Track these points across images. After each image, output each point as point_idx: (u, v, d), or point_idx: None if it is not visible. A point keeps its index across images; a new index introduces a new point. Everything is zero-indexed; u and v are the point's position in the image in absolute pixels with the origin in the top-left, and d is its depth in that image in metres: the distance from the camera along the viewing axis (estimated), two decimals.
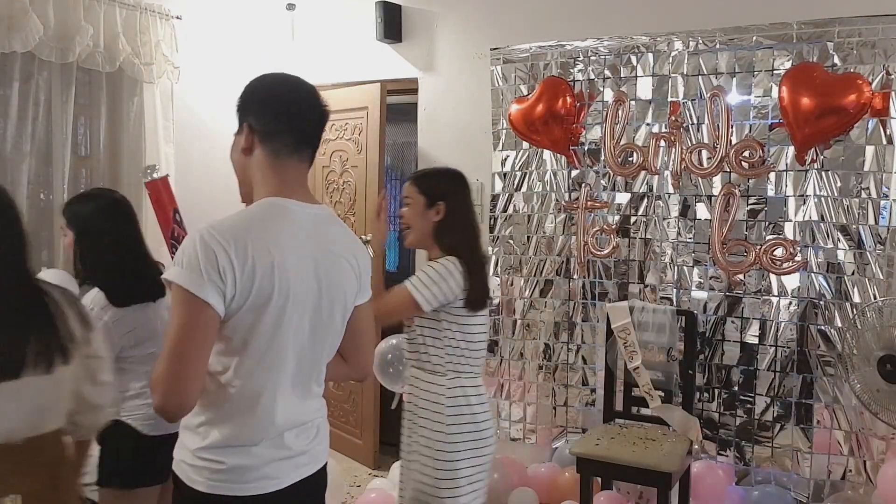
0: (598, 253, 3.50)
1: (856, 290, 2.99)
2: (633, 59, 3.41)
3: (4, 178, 3.27)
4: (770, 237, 3.14)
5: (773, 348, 3.15)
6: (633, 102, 3.41)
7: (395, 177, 6.48)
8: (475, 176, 3.85)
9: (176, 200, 3.53)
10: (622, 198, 3.46)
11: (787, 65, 3.09)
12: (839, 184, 3.02)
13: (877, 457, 2.93)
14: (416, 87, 4.12)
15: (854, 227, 2.99)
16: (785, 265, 3.10)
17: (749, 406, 3.19)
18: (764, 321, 3.17)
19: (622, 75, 3.43)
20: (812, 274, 3.07)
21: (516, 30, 3.73)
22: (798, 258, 3.08)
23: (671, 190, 3.34)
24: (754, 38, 3.15)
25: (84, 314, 1.59)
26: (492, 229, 3.78)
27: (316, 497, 1.60)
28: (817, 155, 3.06)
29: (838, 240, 3.03)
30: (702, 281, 3.30)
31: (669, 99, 3.33)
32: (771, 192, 3.15)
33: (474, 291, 2.18)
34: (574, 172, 3.57)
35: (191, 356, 1.35)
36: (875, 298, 2.89)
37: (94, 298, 2.20)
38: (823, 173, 3.05)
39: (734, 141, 3.18)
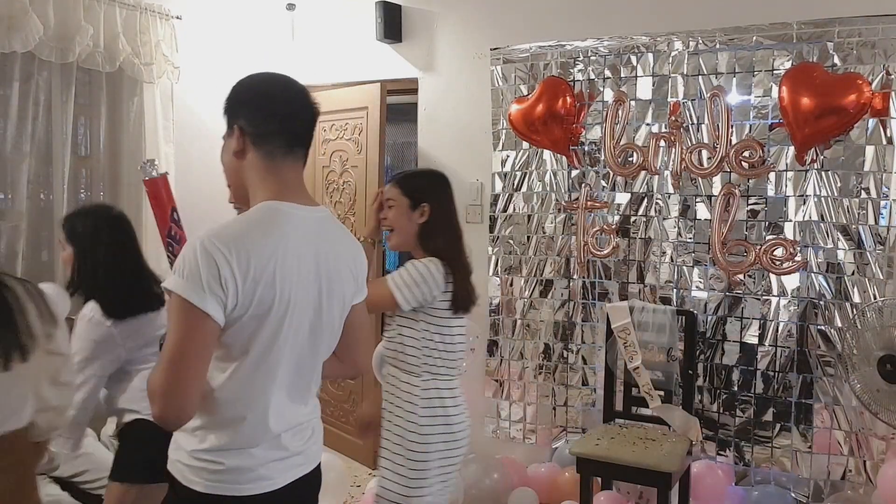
0: (598, 253, 3.50)
1: (856, 290, 2.99)
2: (633, 59, 3.41)
3: (4, 178, 3.27)
4: (770, 237, 3.14)
5: (773, 348, 3.15)
6: (633, 102, 3.41)
7: None
8: (475, 176, 3.87)
9: (174, 199, 3.53)
10: (622, 198, 3.46)
11: (787, 65, 3.09)
12: (839, 184, 3.02)
13: (877, 457, 2.94)
14: (416, 87, 4.12)
15: (854, 227, 2.99)
16: (785, 265, 3.11)
17: (749, 406, 3.19)
18: (764, 321, 3.17)
19: (622, 75, 3.43)
20: (812, 274, 3.07)
21: (516, 30, 3.73)
22: (798, 258, 3.08)
23: (671, 190, 3.34)
24: (754, 38, 3.15)
25: (49, 310, 1.55)
26: (492, 229, 3.78)
27: (310, 496, 1.61)
28: (817, 155, 3.06)
29: (838, 240, 3.03)
30: (702, 281, 3.30)
31: (669, 99, 3.33)
32: (771, 192, 3.15)
33: (458, 294, 2.18)
34: (574, 172, 3.57)
35: (190, 366, 1.33)
36: (875, 298, 2.90)
37: (92, 310, 2.24)
38: (823, 173, 3.05)
39: (734, 141, 3.18)
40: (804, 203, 3.09)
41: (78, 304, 2.30)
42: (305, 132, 1.53)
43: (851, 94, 2.90)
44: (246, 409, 1.43)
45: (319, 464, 1.61)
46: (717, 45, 3.22)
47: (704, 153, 3.26)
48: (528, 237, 3.69)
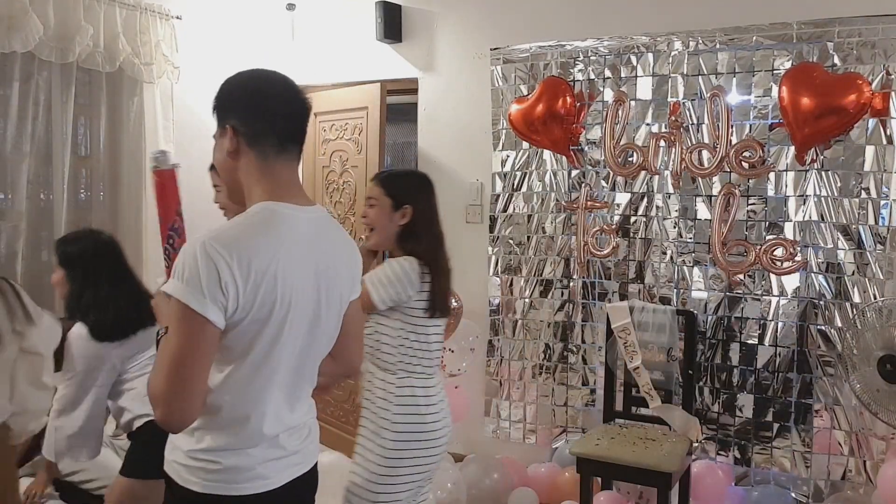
0: (598, 253, 3.50)
1: (856, 290, 2.99)
2: (633, 59, 3.41)
3: (4, 178, 3.27)
4: (770, 237, 3.14)
5: (773, 348, 3.15)
6: (633, 102, 3.41)
7: None
8: (475, 176, 3.87)
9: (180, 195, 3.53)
10: (622, 198, 3.46)
11: (787, 65, 3.09)
12: (839, 184, 3.02)
13: (877, 457, 2.93)
14: (416, 87, 4.12)
15: (854, 227, 2.99)
16: (785, 265, 3.10)
17: (749, 406, 3.19)
18: (764, 321, 3.17)
19: (622, 75, 3.43)
20: (812, 274, 3.07)
21: (516, 30, 3.73)
22: (798, 258, 3.08)
23: (671, 190, 3.34)
24: (754, 38, 3.15)
25: (24, 308, 1.54)
26: (492, 229, 3.78)
27: (307, 496, 1.60)
28: (817, 155, 3.06)
29: (838, 240, 3.03)
30: (702, 281, 3.30)
31: (669, 99, 3.33)
32: (771, 192, 3.15)
33: (435, 297, 2.17)
34: (574, 172, 3.57)
35: (191, 371, 1.32)
36: (875, 298, 2.90)
37: (80, 329, 2.32)
38: (823, 173, 3.05)
39: (734, 141, 3.18)
40: (804, 203, 3.09)
41: (67, 325, 2.39)
42: (298, 129, 1.51)
43: (851, 94, 2.90)
44: (246, 412, 1.42)
45: (316, 463, 1.61)
46: (717, 45, 3.22)
47: (704, 153, 3.26)
48: (528, 237, 3.69)
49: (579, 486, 2.96)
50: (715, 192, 3.25)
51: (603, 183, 3.51)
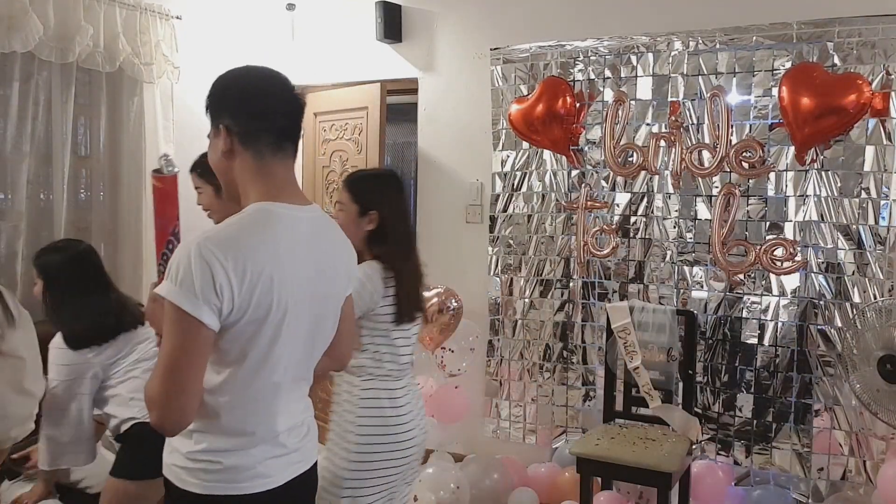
0: (598, 253, 3.50)
1: (856, 290, 2.99)
2: (633, 59, 3.41)
3: (4, 178, 3.27)
4: (770, 237, 3.14)
5: (773, 348, 3.15)
6: (633, 102, 3.41)
7: None
8: (475, 176, 3.87)
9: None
10: (622, 198, 3.46)
11: (787, 65, 3.09)
12: (839, 184, 3.02)
13: (877, 457, 2.93)
14: (416, 87, 4.12)
15: (854, 227, 2.99)
16: (785, 265, 3.11)
17: (749, 406, 3.19)
18: (764, 321, 3.17)
19: (622, 75, 3.43)
20: (812, 274, 3.07)
21: (516, 30, 3.73)
22: (798, 258, 3.08)
23: (671, 190, 3.34)
24: (754, 38, 3.15)
25: (7, 312, 1.53)
26: (492, 229, 3.78)
27: (307, 496, 1.60)
28: (817, 155, 3.06)
29: (838, 240, 3.03)
30: (702, 281, 3.30)
31: (669, 99, 3.33)
32: (771, 192, 3.15)
33: (401, 303, 2.12)
34: (574, 172, 3.57)
35: (186, 374, 1.32)
36: (875, 298, 2.90)
37: (59, 339, 2.37)
38: (823, 173, 3.05)
39: (734, 141, 3.18)
40: (804, 203, 3.09)
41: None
42: (293, 127, 1.50)
43: (851, 94, 2.90)
44: (246, 413, 1.42)
45: (315, 463, 1.60)
46: (717, 45, 3.22)
47: (704, 153, 3.26)
48: (528, 237, 3.69)
49: (579, 486, 2.96)
50: (715, 192, 3.25)
51: (603, 183, 3.51)
